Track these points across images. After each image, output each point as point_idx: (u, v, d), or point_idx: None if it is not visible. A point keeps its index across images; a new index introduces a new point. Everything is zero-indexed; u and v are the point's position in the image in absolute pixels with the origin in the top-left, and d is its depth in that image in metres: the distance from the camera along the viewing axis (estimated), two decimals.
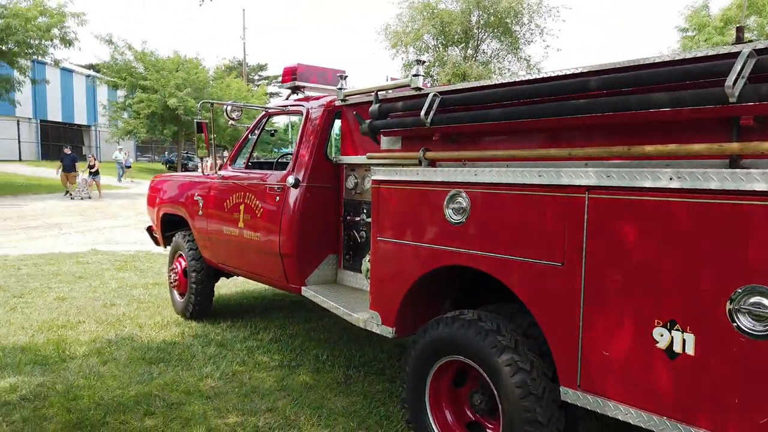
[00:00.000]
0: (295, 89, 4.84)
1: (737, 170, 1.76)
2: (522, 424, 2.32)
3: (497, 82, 2.76)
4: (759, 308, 1.68)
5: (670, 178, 1.87)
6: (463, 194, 2.61)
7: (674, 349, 1.87)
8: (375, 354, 4.59)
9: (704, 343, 1.80)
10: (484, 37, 32.69)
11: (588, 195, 2.11)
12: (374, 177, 3.13)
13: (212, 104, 4.98)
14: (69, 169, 20.55)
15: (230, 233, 4.66)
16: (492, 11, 30.64)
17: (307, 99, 4.57)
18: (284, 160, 4.88)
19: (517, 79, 2.69)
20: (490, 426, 2.67)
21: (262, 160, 5.93)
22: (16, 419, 3.33)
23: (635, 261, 1.98)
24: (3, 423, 3.29)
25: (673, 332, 1.87)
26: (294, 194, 4.08)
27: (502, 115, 2.61)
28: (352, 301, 3.70)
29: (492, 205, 2.50)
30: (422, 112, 2.93)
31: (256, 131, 4.96)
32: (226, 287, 6.80)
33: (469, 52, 32.65)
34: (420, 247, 2.85)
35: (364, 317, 3.27)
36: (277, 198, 4.19)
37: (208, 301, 5.44)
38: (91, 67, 38.18)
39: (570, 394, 2.18)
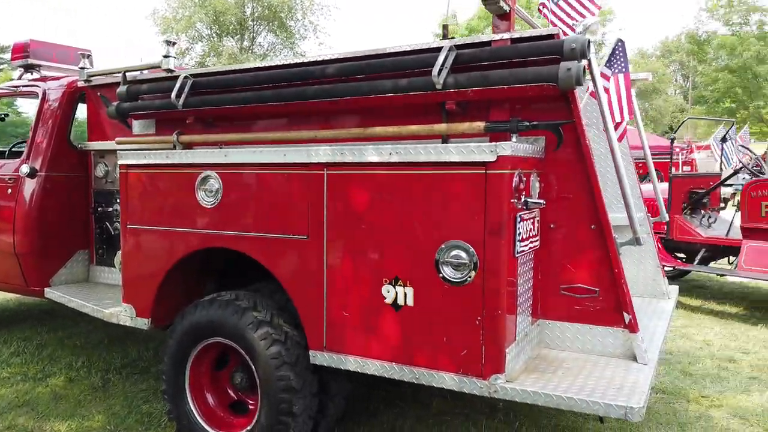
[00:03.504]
0: (28, 68, 4.28)
1: (439, 145, 2.08)
2: (277, 392, 2.42)
3: (246, 67, 2.83)
4: (457, 259, 2.01)
5: (390, 153, 2.13)
6: (214, 176, 2.62)
7: (398, 302, 2.14)
8: (140, 353, 4.32)
9: (420, 294, 2.10)
10: (260, 30, 32.45)
11: (326, 171, 2.29)
12: (121, 161, 2.95)
13: None
14: None
15: None
16: (266, 4, 30.51)
17: (44, 79, 4.09)
18: (18, 149, 4.30)
19: (263, 65, 2.79)
20: (251, 401, 2.72)
21: None
22: None
23: (366, 228, 2.21)
24: None
25: (397, 287, 2.14)
26: (30, 185, 3.63)
27: (246, 98, 2.68)
28: (105, 297, 3.45)
29: (242, 185, 2.55)
30: (173, 95, 2.86)
31: None
32: None
33: (246, 44, 32.11)
34: (173, 232, 2.78)
35: (116, 311, 3.07)
36: (10, 190, 3.69)
37: None
38: None
39: (318, 357, 2.35)
